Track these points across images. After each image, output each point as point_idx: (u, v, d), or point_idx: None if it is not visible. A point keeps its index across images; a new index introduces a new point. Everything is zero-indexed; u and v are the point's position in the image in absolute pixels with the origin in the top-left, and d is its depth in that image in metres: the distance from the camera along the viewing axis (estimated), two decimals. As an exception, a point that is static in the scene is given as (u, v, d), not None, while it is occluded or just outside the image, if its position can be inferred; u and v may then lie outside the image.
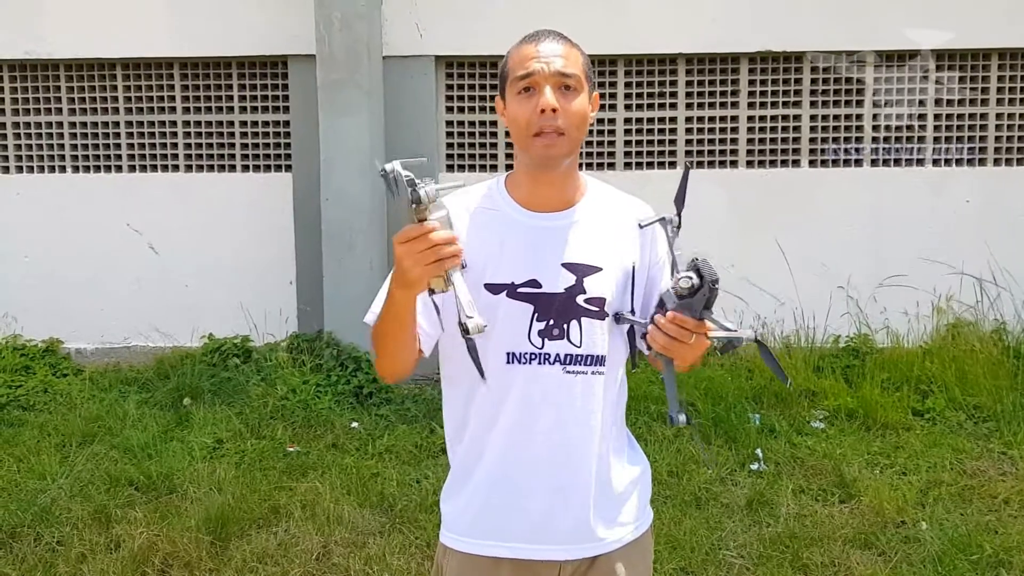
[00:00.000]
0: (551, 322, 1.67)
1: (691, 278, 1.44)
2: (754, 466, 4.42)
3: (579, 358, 1.69)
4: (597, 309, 1.69)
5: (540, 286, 1.68)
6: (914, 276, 5.82)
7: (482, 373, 1.65)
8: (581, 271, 1.69)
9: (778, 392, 5.16)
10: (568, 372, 1.69)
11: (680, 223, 1.58)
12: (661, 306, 1.52)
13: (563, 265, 1.69)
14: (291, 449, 4.69)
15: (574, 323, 1.68)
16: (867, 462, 4.46)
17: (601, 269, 1.70)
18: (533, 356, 1.68)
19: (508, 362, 1.69)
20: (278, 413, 5.10)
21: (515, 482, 1.72)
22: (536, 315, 1.68)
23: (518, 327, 1.68)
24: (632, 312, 1.70)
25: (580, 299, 1.69)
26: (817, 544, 3.66)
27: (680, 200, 1.59)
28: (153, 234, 6.16)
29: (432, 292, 1.51)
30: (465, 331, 1.49)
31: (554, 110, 1.62)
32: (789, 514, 3.93)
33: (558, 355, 1.68)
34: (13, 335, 6.11)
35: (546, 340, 1.68)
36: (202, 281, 6.13)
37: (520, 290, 1.68)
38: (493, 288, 1.69)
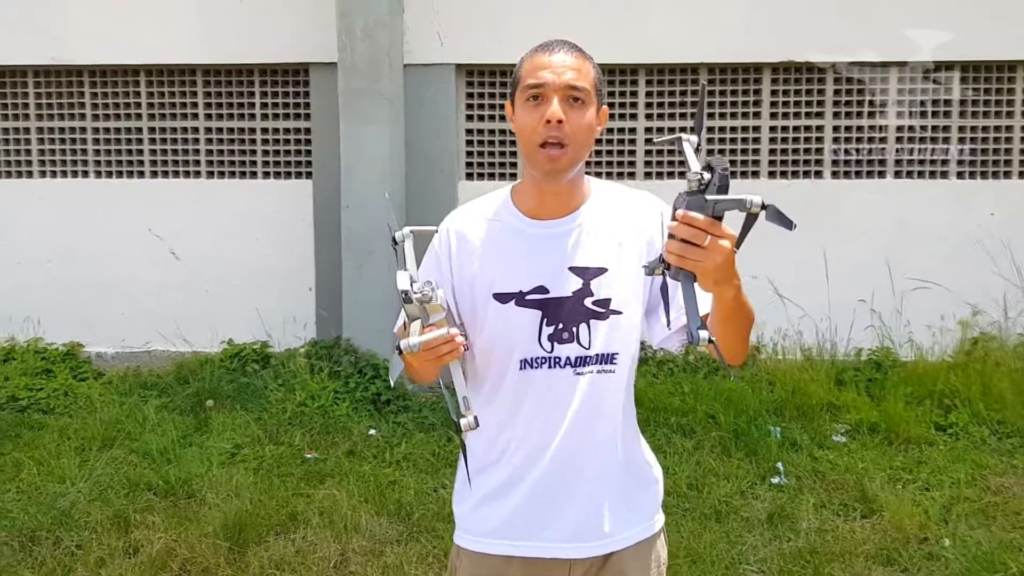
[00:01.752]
0: (560, 326, 1.71)
1: (700, 174, 1.33)
2: (775, 480, 4.38)
3: (588, 359, 1.72)
4: (604, 310, 1.72)
5: (548, 292, 1.72)
6: (938, 289, 5.76)
7: (459, 431, 1.62)
8: (587, 274, 1.72)
9: (800, 405, 5.12)
10: (578, 374, 1.71)
11: (700, 144, 1.44)
12: (673, 211, 1.39)
13: (570, 269, 1.72)
14: (309, 456, 4.69)
15: (583, 325, 1.71)
16: (889, 477, 4.41)
17: (607, 270, 1.73)
18: (544, 360, 1.72)
19: (522, 368, 1.72)
20: (296, 419, 5.11)
21: (527, 483, 1.75)
22: (545, 320, 1.71)
23: (529, 334, 1.72)
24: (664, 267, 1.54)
25: (588, 301, 1.72)
26: (838, 560, 3.62)
27: (699, 127, 1.47)
28: (174, 239, 6.20)
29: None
30: (457, 429, 1.59)
31: (559, 121, 1.63)
32: (810, 529, 3.89)
33: (568, 358, 1.71)
34: (34, 338, 6.15)
35: (556, 344, 1.71)
36: (222, 287, 6.15)
37: (528, 297, 1.72)
38: (501, 298, 1.73)
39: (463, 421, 1.59)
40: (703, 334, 1.39)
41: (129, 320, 6.17)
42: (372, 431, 5.01)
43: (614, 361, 1.73)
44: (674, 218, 1.36)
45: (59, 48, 6.13)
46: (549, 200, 1.74)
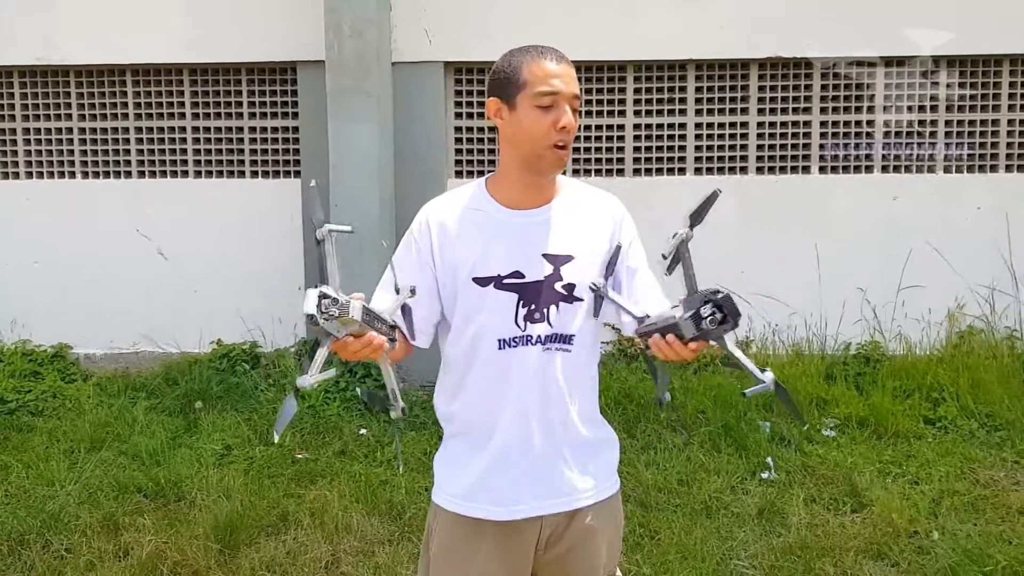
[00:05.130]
0: (533, 307, 1.87)
1: (715, 315, 1.57)
2: (765, 475, 4.40)
3: (554, 337, 1.89)
4: (569, 294, 1.89)
5: (523, 276, 1.87)
6: (925, 283, 5.79)
7: (412, 334, 1.87)
8: (558, 260, 1.89)
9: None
10: (546, 350, 1.89)
11: (690, 238, 1.68)
12: (674, 327, 1.64)
13: (543, 256, 1.89)
14: (300, 456, 4.68)
15: (552, 307, 1.88)
16: (879, 471, 4.43)
17: (574, 257, 1.90)
18: (519, 339, 1.88)
19: (500, 348, 1.88)
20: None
21: (501, 448, 1.90)
22: (521, 302, 1.87)
23: (506, 315, 1.87)
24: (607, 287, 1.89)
25: (557, 285, 1.89)
26: (829, 554, 3.63)
27: (698, 216, 1.69)
28: (162, 240, 6.17)
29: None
30: (386, 412, 1.77)
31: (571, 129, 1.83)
32: (800, 523, 3.90)
33: (539, 336, 1.88)
34: (22, 340, 6.12)
35: (528, 323, 1.87)
36: (211, 287, 6.13)
37: (505, 281, 1.87)
38: (481, 281, 1.87)
39: (392, 413, 1.78)
40: (667, 396, 1.90)
41: (117, 321, 6.14)
42: (363, 431, 5.00)
43: (571, 342, 1.90)
44: (674, 326, 1.65)
45: (45, 48, 6.08)
46: (529, 192, 1.91)
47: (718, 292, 1.56)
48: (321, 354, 1.62)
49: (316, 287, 1.60)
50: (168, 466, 4.48)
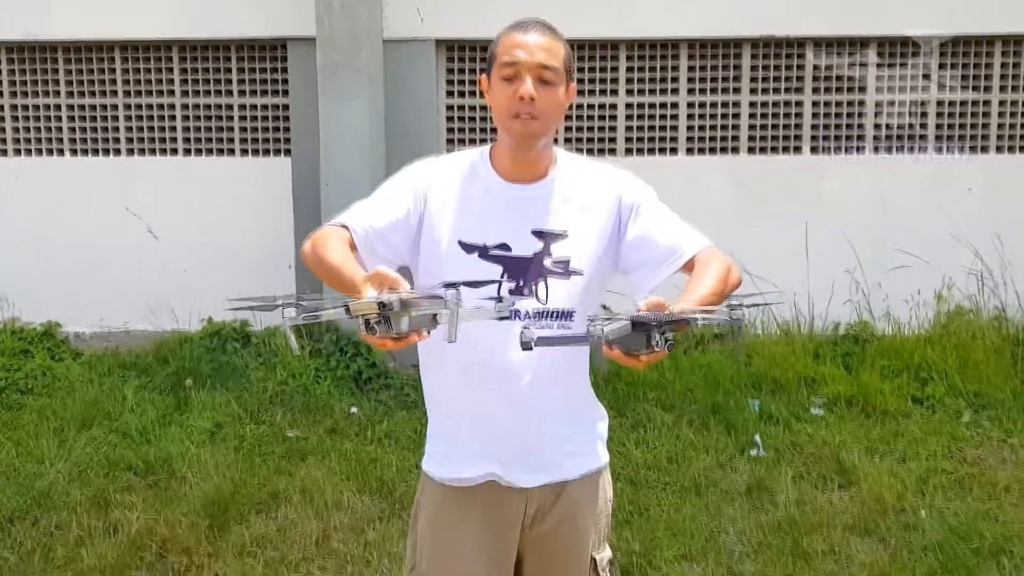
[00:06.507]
0: (520, 282, 1.86)
1: (666, 337, 1.49)
2: (753, 452, 4.42)
3: (546, 313, 1.87)
4: (562, 271, 1.87)
5: (510, 249, 1.86)
6: (915, 264, 5.80)
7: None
8: (549, 237, 1.87)
9: (777, 379, 5.16)
10: (536, 326, 1.86)
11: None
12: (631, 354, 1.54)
13: (533, 232, 1.87)
14: (290, 434, 4.69)
15: (541, 283, 1.86)
16: (866, 449, 4.45)
17: (567, 234, 1.88)
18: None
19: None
20: (277, 398, 5.09)
21: (486, 420, 1.89)
22: (506, 275, 1.86)
23: (489, 286, 1.86)
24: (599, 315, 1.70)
25: (547, 261, 1.87)
26: (817, 531, 3.67)
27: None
28: (152, 218, 6.14)
29: None
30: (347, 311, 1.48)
31: (531, 99, 1.78)
32: (789, 500, 3.93)
33: (527, 311, 1.85)
34: (11, 319, 6.08)
35: (516, 298, 1.85)
36: (201, 265, 6.10)
37: (491, 252, 1.86)
38: (466, 247, 1.86)
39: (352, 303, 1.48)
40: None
41: (107, 299, 6.11)
42: (354, 409, 5.01)
43: (572, 318, 1.87)
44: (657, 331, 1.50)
45: (33, 24, 6.02)
46: (521, 165, 1.88)
47: (663, 323, 1.47)
48: (330, 315, 1.50)
49: (384, 303, 1.41)
50: (158, 444, 4.48)
